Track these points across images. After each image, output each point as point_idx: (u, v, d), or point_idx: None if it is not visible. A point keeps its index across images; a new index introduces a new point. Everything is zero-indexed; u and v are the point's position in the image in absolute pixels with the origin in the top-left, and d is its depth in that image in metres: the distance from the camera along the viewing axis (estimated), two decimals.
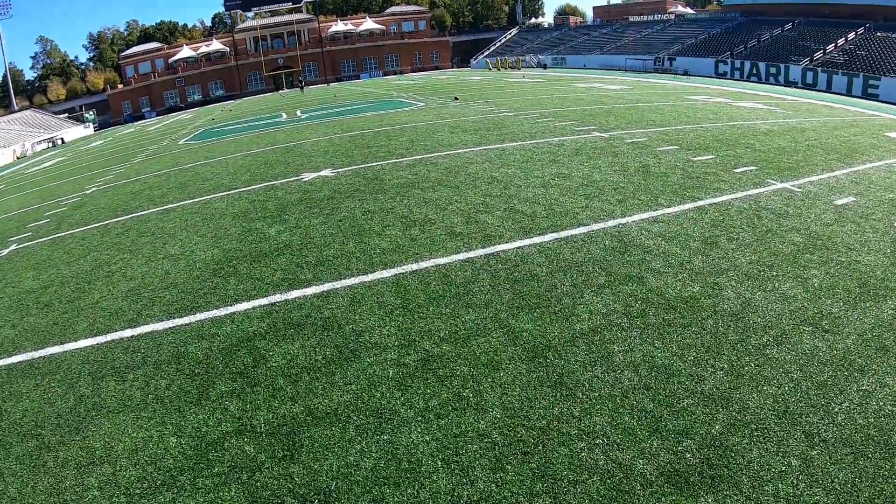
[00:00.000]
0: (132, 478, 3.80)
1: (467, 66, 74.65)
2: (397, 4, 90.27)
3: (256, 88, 72.98)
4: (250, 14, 76.58)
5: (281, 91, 63.94)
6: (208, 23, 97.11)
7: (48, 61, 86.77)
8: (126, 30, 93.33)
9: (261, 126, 25.72)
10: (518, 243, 7.06)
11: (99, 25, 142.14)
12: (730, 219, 7.58)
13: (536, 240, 7.12)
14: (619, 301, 5.50)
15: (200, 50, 75.58)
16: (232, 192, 11.76)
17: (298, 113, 29.53)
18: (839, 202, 8.19)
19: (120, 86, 74.62)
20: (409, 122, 19.20)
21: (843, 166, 10.22)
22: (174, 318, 6.13)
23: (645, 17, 65.77)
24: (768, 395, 4.02)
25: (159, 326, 5.98)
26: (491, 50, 75.08)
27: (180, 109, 68.06)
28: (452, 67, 77.30)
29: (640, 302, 5.46)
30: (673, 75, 41.38)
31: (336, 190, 10.40)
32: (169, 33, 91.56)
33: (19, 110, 68.17)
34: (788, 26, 45.96)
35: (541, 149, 12.45)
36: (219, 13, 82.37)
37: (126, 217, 11.29)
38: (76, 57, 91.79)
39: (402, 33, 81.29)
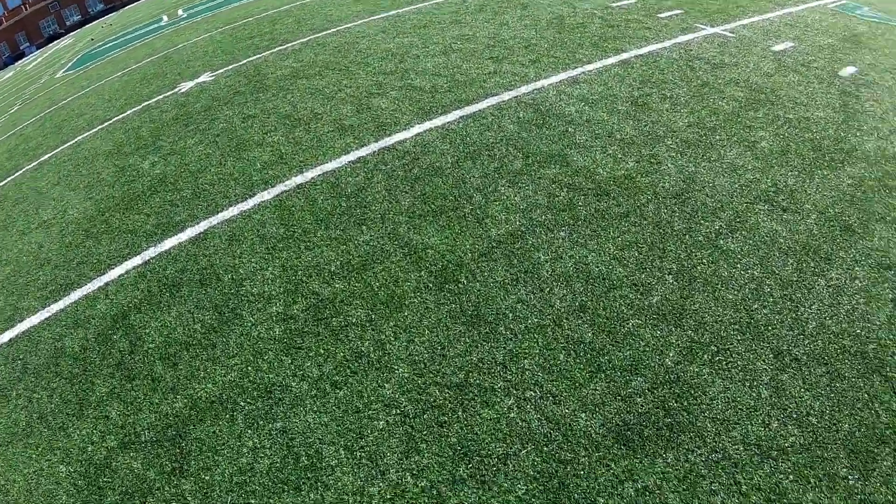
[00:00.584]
0: None
1: None
2: None
3: None
4: None
5: None
6: None
7: None
8: None
9: (140, 36, 23.06)
10: (417, 128, 6.05)
11: None
12: (660, 72, 6.58)
13: (438, 121, 6.09)
14: (541, 191, 4.66)
15: None
16: (106, 123, 10.26)
17: (180, 12, 26.63)
18: (777, 48, 7.20)
19: None
20: (292, 3, 17.26)
21: (775, 7, 9.23)
22: (49, 303, 5.19)
23: None
24: (727, 303, 3.35)
25: (35, 319, 5.03)
26: None
27: (60, 36, 61.69)
28: None
29: (565, 189, 4.63)
30: None
31: (214, 97, 9.01)
32: None
33: None
34: None
35: (441, 8, 11.01)
36: None
37: (2, 182, 9.91)
38: None
39: None
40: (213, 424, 3.31)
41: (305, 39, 11.03)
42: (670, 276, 3.58)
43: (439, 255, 4.13)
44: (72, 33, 58.80)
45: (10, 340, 4.86)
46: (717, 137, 5.12)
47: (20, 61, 56.48)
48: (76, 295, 5.11)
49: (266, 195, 5.55)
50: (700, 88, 6.06)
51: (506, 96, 6.28)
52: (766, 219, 4.01)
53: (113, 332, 4.38)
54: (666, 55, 7.05)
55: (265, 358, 3.65)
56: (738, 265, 3.61)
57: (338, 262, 4.34)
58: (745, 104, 5.66)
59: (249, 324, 3.99)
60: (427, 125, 6.01)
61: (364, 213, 4.83)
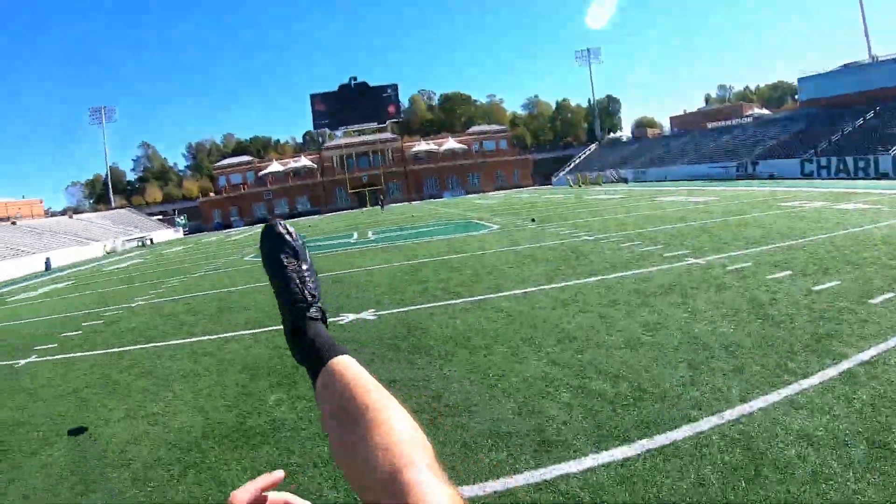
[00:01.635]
0: None
1: (549, 184, 74.40)
2: (479, 124, 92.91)
3: (341, 204, 75.16)
4: (339, 132, 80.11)
5: (363, 209, 65.19)
6: (299, 139, 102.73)
7: (148, 165, 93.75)
8: (222, 141, 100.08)
9: (329, 246, 25.16)
10: (591, 460, 4.47)
11: (198, 136, 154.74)
12: (894, 390, 5.01)
13: (617, 452, 4.52)
14: None
15: (289, 165, 79.36)
16: (259, 330, 10.26)
17: (370, 234, 29.05)
18: None
19: (212, 194, 78.84)
20: (479, 249, 17.66)
21: None
22: None
23: (722, 123, 64.27)
24: None
25: None
26: (571, 166, 74.97)
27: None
28: (534, 185, 77.33)
29: None
30: (759, 181, 38.95)
31: (366, 344, 8.50)
32: (262, 147, 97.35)
33: (116, 208, 72.74)
34: (870, 115, 43.85)
35: (624, 286, 10.07)
36: (309, 131, 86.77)
37: (144, 346, 10.32)
38: (175, 164, 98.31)
39: (484, 152, 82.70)
40: None
41: (479, 298, 10.57)
42: None
43: None
44: None
45: None
46: None
47: (227, 230, 64.73)
48: None
49: None
50: None
51: (705, 424, 4.78)
52: None
53: None
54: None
55: None
56: None
57: None
58: None
59: None
60: (604, 457, 4.48)
61: None
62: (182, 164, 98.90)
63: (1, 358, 10.86)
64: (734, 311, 7.84)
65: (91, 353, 10.30)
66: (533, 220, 25.55)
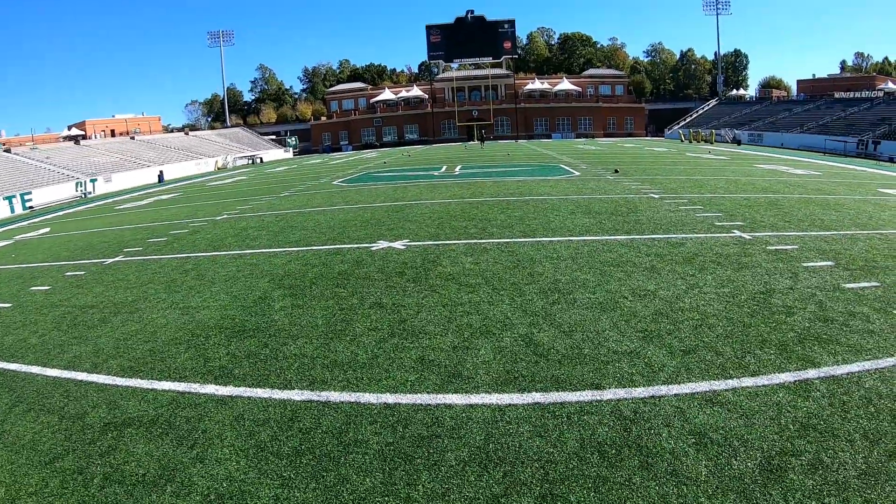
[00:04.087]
0: None
1: (661, 136, 71.41)
2: (597, 67, 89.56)
3: (449, 136, 75.84)
4: (455, 65, 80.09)
5: (466, 144, 65.66)
6: (415, 69, 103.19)
7: (265, 87, 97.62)
8: (338, 67, 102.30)
9: (412, 178, 26.28)
10: (477, 398, 5.15)
11: (315, 61, 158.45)
12: (841, 416, 4.53)
13: (506, 398, 5.10)
14: None
15: (400, 94, 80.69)
16: (303, 248, 11.69)
17: (457, 169, 29.73)
18: None
19: (323, 118, 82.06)
20: (543, 194, 18.09)
21: None
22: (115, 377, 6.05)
23: (851, 95, 58.38)
24: None
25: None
26: (687, 121, 71.05)
27: (373, 147, 72.88)
28: (646, 135, 74.19)
29: None
30: (875, 161, 35.73)
31: (383, 268, 9.60)
32: (377, 74, 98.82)
33: (231, 127, 77.17)
34: None
35: (649, 248, 10.22)
36: (425, 61, 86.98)
37: (209, 253, 12.06)
38: (290, 86, 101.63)
39: (598, 96, 79.79)
40: None
41: (505, 241, 11.28)
42: None
43: None
44: (383, 148, 69.33)
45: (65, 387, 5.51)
46: None
47: (335, 153, 67.55)
48: (139, 384, 5.68)
49: (295, 395, 5.66)
50: None
51: (608, 395, 5.07)
52: None
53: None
54: (877, 388, 4.93)
55: None
56: None
57: None
58: None
59: None
60: (492, 398, 5.12)
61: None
62: (297, 87, 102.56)
63: (95, 256, 13.00)
64: (735, 292, 7.63)
65: (166, 256, 12.19)
66: (616, 170, 25.34)
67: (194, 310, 8.15)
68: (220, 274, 10.08)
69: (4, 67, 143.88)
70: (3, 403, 5.71)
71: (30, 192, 32.13)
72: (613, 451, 4.23)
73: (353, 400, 5.24)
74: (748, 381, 5.13)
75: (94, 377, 6.12)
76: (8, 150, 42.75)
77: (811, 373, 5.25)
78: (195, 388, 5.67)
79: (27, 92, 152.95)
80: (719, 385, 5.10)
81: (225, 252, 11.92)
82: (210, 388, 5.63)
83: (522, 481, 3.97)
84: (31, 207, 31.00)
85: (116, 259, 12.32)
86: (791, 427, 4.40)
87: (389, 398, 5.24)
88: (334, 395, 5.34)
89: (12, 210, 29.91)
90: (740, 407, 4.73)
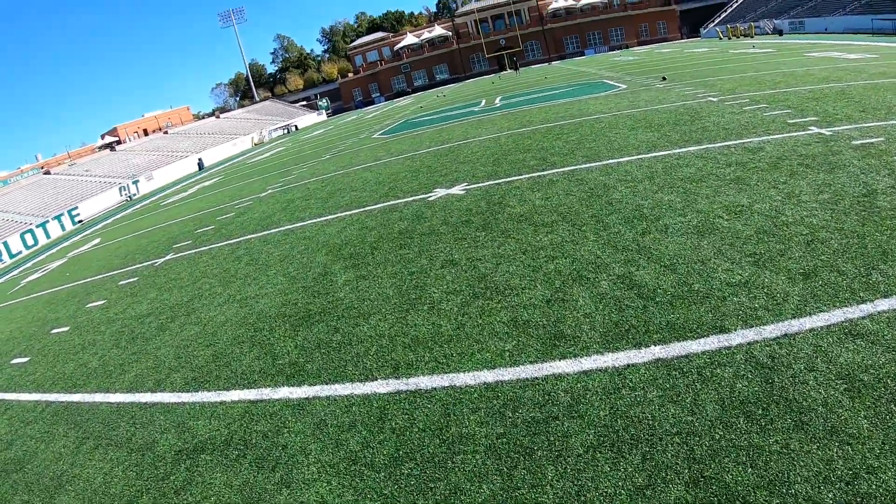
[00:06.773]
0: None
1: (697, 37, 67.07)
2: None
3: (480, 70, 73.57)
4: None
5: (499, 74, 63.38)
6: (433, 8, 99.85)
7: (286, 55, 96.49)
8: (355, 22, 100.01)
9: (453, 117, 25.02)
10: (590, 362, 4.24)
11: (331, 20, 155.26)
12: None
13: (623, 357, 4.20)
14: None
15: (423, 36, 78.15)
16: (356, 211, 10.88)
17: (497, 100, 28.39)
18: None
19: (350, 74, 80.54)
20: (595, 113, 16.66)
21: None
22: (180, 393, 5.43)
23: None
24: None
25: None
26: (722, 17, 66.28)
27: (406, 94, 71.38)
28: (681, 38, 69.99)
29: None
30: None
31: (446, 219, 8.67)
32: (396, 21, 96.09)
33: (261, 101, 76.60)
34: None
35: (727, 157, 8.88)
36: None
37: (259, 234, 11.46)
38: (312, 50, 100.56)
39: (626, 4, 75.16)
40: None
41: (569, 169, 10.11)
42: None
43: None
44: (416, 93, 67.69)
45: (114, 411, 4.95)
46: None
47: (369, 107, 66.57)
48: (196, 398, 5.04)
49: (379, 388, 4.73)
50: None
51: (736, 338, 4.10)
52: None
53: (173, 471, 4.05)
54: None
55: None
56: None
57: None
58: None
59: None
60: (607, 359, 4.23)
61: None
62: (319, 49, 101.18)
63: (146, 258, 12.64)
64: (836, 197, 6.39)
65: (216, 245, 11.66)
66: (664, 78, 23.46)
67: (253, 300, 7.48)
68: (273, 255, 9.41)
69: (32, 95, 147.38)
70: (70, 443, 5.23)
71: (76, 207, 32.53)
72: (760, 410, 3.37)
73: (446, 384, 4.42)
74: (883, 304, 4.14)
75: (158, 396, 5.56)
76: (48, 173, 43.42)
77: None
78: (267, 393, 4.98)
79: (55, 112, 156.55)
80: (853, 312, 4.12)
81: (275, 229, 11.26)
82: (283, 392, 4.92)
83: (666, 464, 3.14)
84: (80, 221, 31.45)
85: (167, 258, 11.92)
86: None
87: (488, 376, 4.38)
88: (424, 381, 4.53)
89: (63, 228, 30.39)
90: (883, 338, 3.76)
